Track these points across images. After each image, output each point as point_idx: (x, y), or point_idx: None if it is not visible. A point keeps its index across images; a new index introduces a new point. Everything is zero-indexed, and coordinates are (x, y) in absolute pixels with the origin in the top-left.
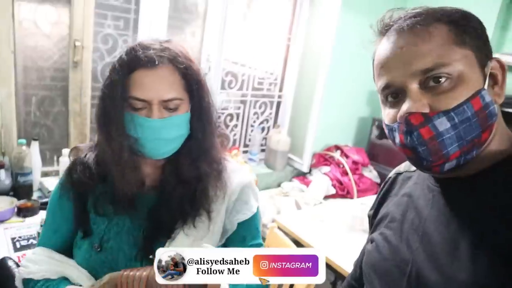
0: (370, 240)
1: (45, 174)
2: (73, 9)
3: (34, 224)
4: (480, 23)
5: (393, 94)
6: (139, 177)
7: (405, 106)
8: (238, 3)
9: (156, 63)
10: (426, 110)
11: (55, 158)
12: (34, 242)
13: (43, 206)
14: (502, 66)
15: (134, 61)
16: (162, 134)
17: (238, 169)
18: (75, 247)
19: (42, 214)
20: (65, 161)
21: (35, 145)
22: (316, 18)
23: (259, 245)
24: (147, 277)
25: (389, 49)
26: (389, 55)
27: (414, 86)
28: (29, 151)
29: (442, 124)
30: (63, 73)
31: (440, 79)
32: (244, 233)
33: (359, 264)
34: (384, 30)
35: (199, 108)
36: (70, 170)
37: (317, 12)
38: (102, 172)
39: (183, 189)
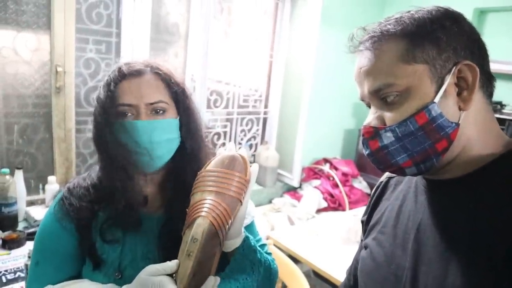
0: (364, 246)
1: (30, 203)
2: (53, 35)
3: (21, 256)
4: (454, 25)
5: (367, 104)
6: (139, 191)
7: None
8: (219, 22)
9: (140, 72)
10: (378, 124)
11: (40, 186)
12: (22, 275)
13: (30, 236)
14: (472, 68)
15: (119, 75)
16: (152, 136)
17: None
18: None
19: (29, 245)
20: (51, 188)
21: (19, 174)
22: (296, 33)
23: (261, 243)
24: None
25: (355, 68)
26: (355, 74)
27: (373, 101)
28: (13, 180)
29: (387, 137)
30: (45, 99)
31: (388, 98)
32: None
33: (352, 272)
34: (354, 50)
35: (186, 115)
36: (65, 199)
37: (297, 28)
38: (102, 197)
39: (188, 202)
